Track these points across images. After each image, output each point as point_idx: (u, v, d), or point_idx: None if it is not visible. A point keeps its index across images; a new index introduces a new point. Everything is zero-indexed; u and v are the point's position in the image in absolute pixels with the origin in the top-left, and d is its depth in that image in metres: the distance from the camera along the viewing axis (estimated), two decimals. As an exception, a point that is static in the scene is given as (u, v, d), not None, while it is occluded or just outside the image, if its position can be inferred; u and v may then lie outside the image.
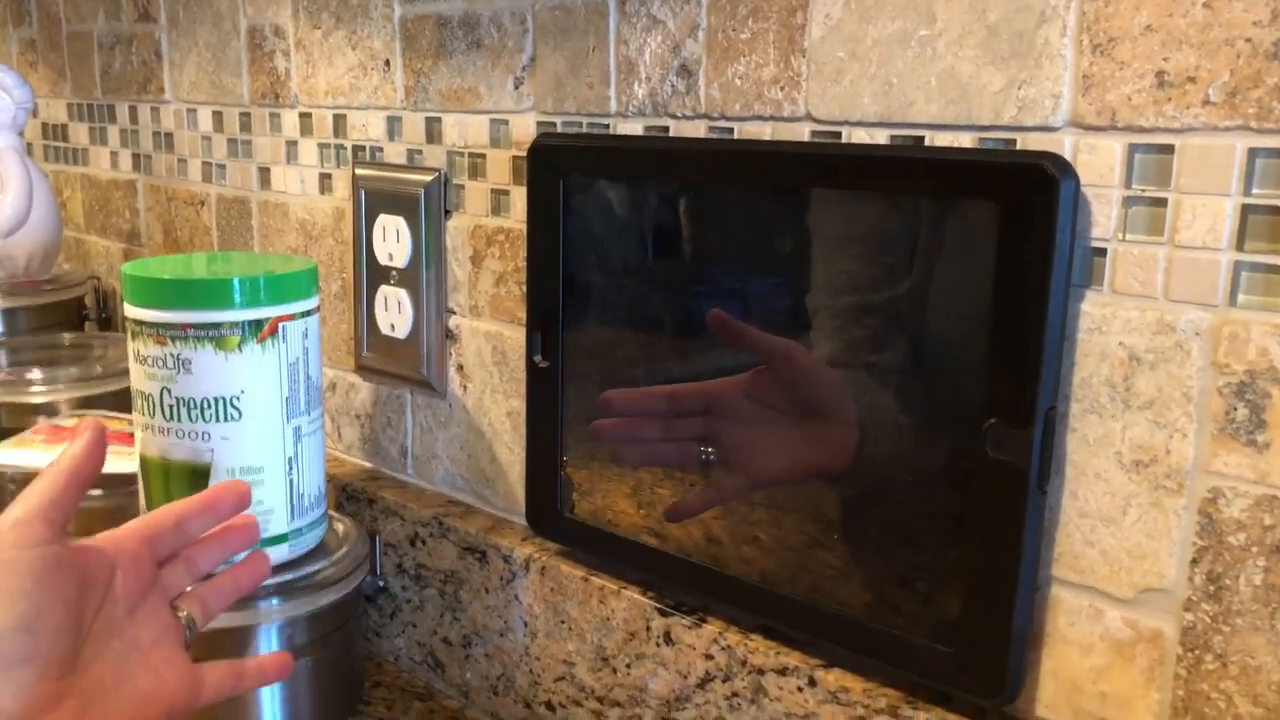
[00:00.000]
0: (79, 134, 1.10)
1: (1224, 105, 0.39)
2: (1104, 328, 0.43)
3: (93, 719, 0.42)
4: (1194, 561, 0.42)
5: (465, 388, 0.71)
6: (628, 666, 0.60)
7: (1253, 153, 0.39)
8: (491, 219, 0.67)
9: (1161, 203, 0.41)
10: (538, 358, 0.59)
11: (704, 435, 0.54)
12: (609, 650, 0.61)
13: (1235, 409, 0.40)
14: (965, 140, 0.46)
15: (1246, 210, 0.39)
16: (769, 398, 0.52)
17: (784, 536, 0.53)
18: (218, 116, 0.89)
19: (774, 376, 0.51)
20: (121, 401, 0.82)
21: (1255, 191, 0.39)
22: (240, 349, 0.62)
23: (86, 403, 0.85)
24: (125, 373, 0.82)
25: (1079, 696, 0.45)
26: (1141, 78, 0.41)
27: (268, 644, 0.65)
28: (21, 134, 1.00)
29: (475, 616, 0.69)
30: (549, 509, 0.63)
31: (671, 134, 0.56)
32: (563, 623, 0.63)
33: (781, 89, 0.51)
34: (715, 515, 0.55)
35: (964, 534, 0.45)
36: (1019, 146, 0.44)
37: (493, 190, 0.67)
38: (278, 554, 0.66)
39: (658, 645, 0.58)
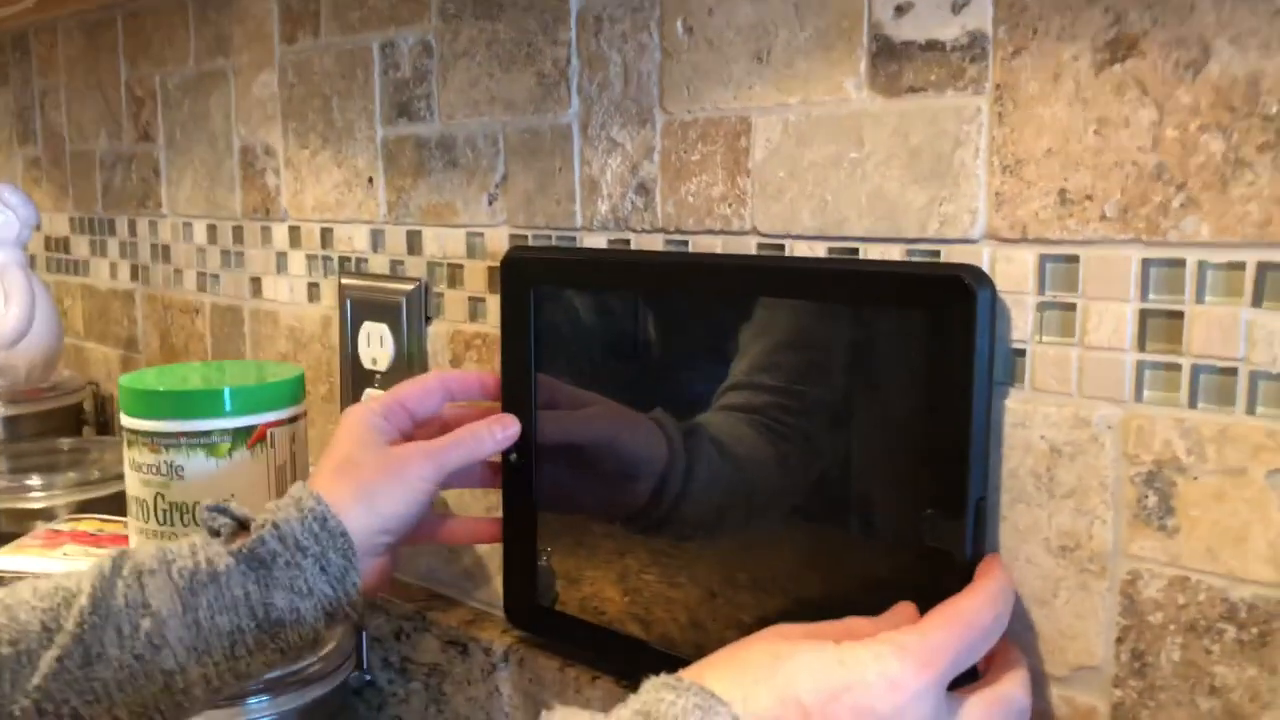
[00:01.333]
0: (80, 246, 1.14)
1: (1118, 220, 0.43)
2: (1026, 423, 0.46)
3: (393, 562, 0.56)
4: (1119, 640, 0.44)
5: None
6: (605, 755, 0.62)
7: (1146, 262, 0.42)
8: (469, 324, 0.71)
9: (1071, 307, 0.45)
10: (512, 455, 0.62)
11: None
12: (586, 739, 0.63)
13: (1147, 497, 0.43)
14: (895, 252, 0.50)
15: (1145, 314, 0.43)
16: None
17: (745, 618, 0.55)
18: (212, 229, 0.94)
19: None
20: (118, 505, 0.85)
21: (1151, 297, 0.43)
22: (230, 455, 0.66)
23: (84, 506, 0.88)
24: (120, 477, 0.85)
25: (1025, 773, 0.47)
26: (1046, 195, 0.45)
27: (257, 739, 0.67)
28: (25, 249, 1.05)
29: (459, 708, 0.71)
30: (526, 601, 0.65)
31: (632, 246, 0.61)
32: (541, 713, 0.65)
33: (729, 205, 0.56)
34: (701, 601, 0.57)
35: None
36: (943, 258, 0.48)
37: (470, 298, 0.71)
38: (266, 652, 0.68)
39: (632, 733, 0.60)
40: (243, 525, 0.51)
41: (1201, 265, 0.41)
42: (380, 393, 0.61)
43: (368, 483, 0.53)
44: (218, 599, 0.48)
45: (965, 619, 0.41)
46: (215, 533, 0.51)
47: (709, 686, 0.36)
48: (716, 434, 0.54)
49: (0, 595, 0.48)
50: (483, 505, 0.72)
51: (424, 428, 0.60)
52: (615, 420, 0.59)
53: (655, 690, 0.37)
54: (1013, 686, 0.41)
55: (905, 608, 0.43)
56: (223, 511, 0.51)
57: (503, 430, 0.59)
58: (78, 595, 0.48)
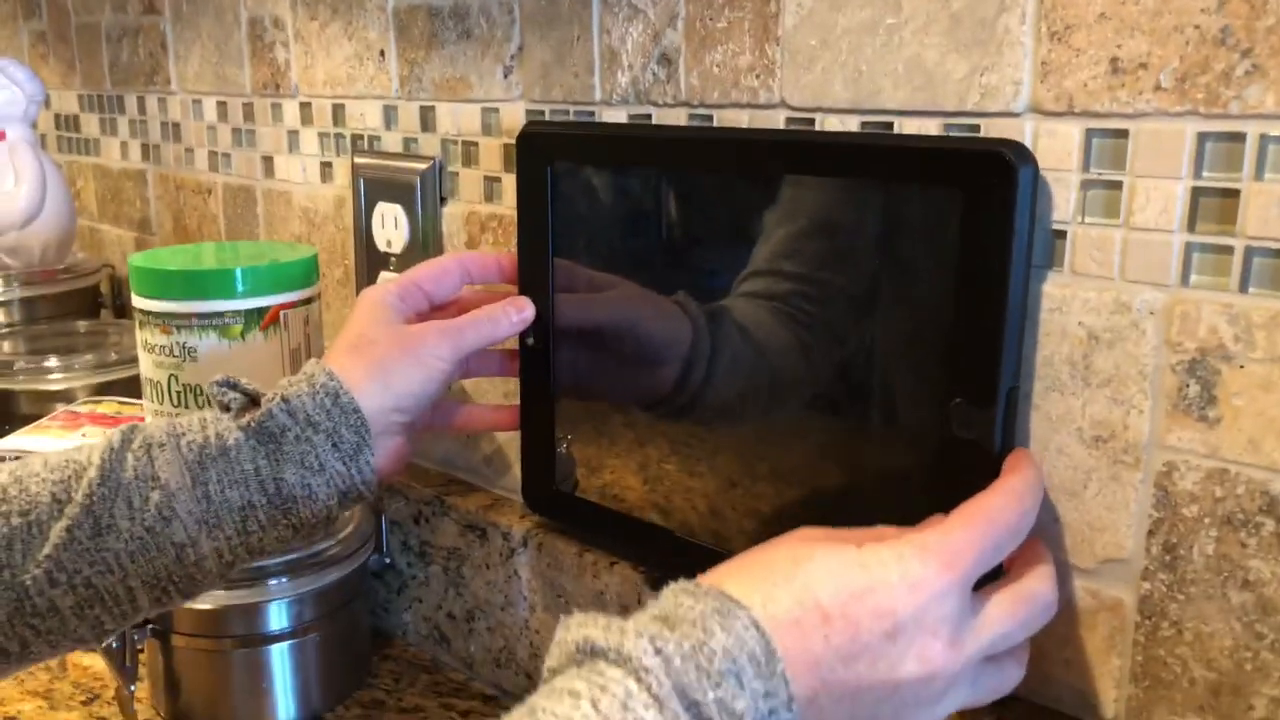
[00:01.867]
0: (90, 125, 1.12)
1: (1174, 91, 0.40)
2: (1064, 308, 0.44)
3: (409, 444, 0.54)
4: (1150, 533, 0.43)
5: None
6: (621, 638, 0.62)
7: (1202, 137, 0.40)
8: (485, 205, 0.69)
9: (1117, 186, 0.42)
10: (530, 339, 0.61)
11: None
12: (603, 622, 0.63)
13: (1188, 386, 0.41)
14: (932, 126, 0.47)
15: (1197, 193, 0.40)
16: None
17: (764, 508, 0.54)
18: (222, 107, 0.91)
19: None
20: (137, 387, 0.84)
21: (1205, 175, 0.40)
22: (243, 337, 0.65)
23: (102, 389, 0.88)
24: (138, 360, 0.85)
25: (1045, 663, 0.47)
26: (1097, 64, 0.42)
27: (278, 620, 0.68)
28: (34, 126, 1.03)
29: (478, 592, 0.71)
30: (544, 487, 0.65)
31: (654, 121, 0.58)
32: (559, 597, 0.66)
33: (757, 77, 0.53)
34: (721, 490, 0.56)
35: (934, 511, 0.47)
36: (983, 132, 0.45)
37: (485, 178, 0.68)
38: (285, 533, 0.68)
39: (649, 617, 0.61)
40: (253, 400, 0.50)
41: (1263, 139, 0.38)
42: (396, 275, 0.59)
43: (382, 360, 0.52)
44: (227, 473, 0.47)
45: (990, 516, 0.39)
46: (225, 408, 0.50)
47: (728, 590, 0.36)
48: (741, 319, 0.53)
49: (12, 468, 0.48)
50: (501, 393, 0.71)
51: (441, 311, 0.59)
52: (638, 303, 0.57)
53: (674, 595, 0.36)
54: (1039, 583, 0.40)
55: (935, 520, 0.42)
56: (233, 386, 0.50)
57: (518, 312, 0.57)
58: (87, 468, 0.47)
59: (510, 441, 0.71)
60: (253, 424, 0.48)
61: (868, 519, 0.42)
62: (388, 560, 0.78)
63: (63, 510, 0.46)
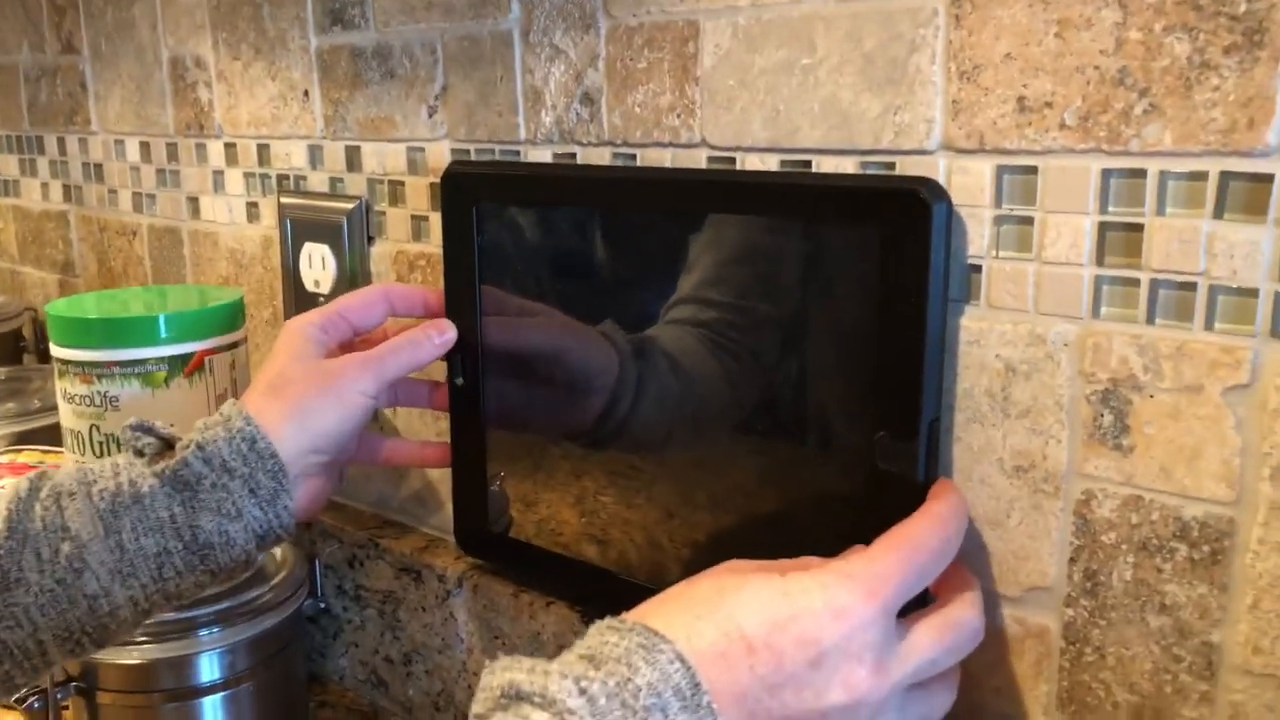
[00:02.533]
0: (9, 166, 1.09)
1: (1078, 129, 0.41)
2: (982, 340, 0.45)
3: (329, 483, 0.54)
4: (1072, 560, 0.44)
5: (395, 411, 0.72)
6: (560, 678, 0.62)
7: (1106, 173, 0.41)
8: (413, 244, 0.68)
9: (1029, 221, 0.43)
10: (458, 378, 0.60)
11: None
12: (542, 663, 0.63)
13: (1102, 415, 0.42)
14: (849, 165, 0.48)
15: (1104, 228, 0.41)
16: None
17: (700, 538, 0.54)
18: (145, 147, 0.90)
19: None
20: (58, 436, 0.82)
21: (1111, 210, 0.41)
22: (167, 384, 0.63)
23: (23, 437, 0.85)
24: (59, 407, 0.82)
25: (975, 691, 0.47)
26: (1005, 103, 0.43)
27: (209, 671, 0.66)
28: (-51, 168, 1.00)
29: (414, 635, 0.70)
30: (477, 528, 0.64)
31: (579, 160, 0.58)
32: (496, 638, 0.65)
33: (678, 116, 0.53)
34: (658, 521, 0.56)
35: (866, 539, 0.47)
36: (898, 169, 0.46)
37: (413, 216, 0.68)
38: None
39: (587, 656, 0.60)
40: (168, 444, 0.49)
41: (1163, 175, 0.40)
42: (321, 306, 0.58)
43: (300, 400, 0.51)
44: (142, 521, 0.46)
45: (913, 543, 0.40)
46: (139, 453, 0.49)
47: (652, 624, 0.35)
48: (667, 348, 0.53)
49: None
50: (434, 430, 0.70)
51: (365, 342, 0.58)
52: (564, 331, 0.57)
53: (600, 634, 0.36)
54: (965, 609, 0.41)
55: (859, 549, 0.43)
56: (147, 430, 0.49)
57: (440, 335, 0.57)
58: None
59: (443, 481, 0.70)
60: (168, 471, 0.47)
61: (803, 547, 0.42)
62: (322, 605, 0.76)
63: None
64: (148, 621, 0.49)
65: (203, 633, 0.65)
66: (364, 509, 0.77)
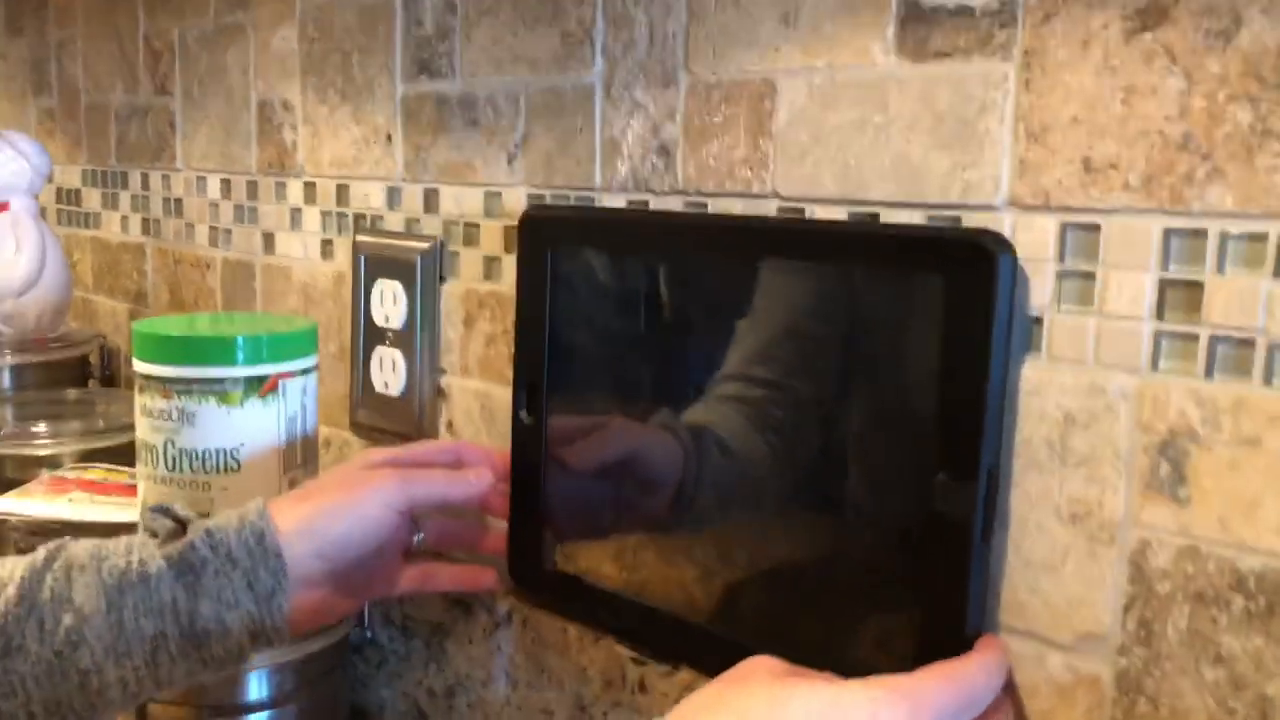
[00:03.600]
0: (92, 199, 1.14)
1: (1142, 190, 0.43)
2: (1042, 391, 0.46)
3: (338, 599, 0.54)
4: (1126, 609, 0.45)
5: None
6: (604, 715, 0.63)
7: (1168, 232, 0.43)
8: (484, 284, 0.71)
9: (1091, 276, 0.45)
10: (523, 413, 0.62)
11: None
12: (587, 699, 0.64)
13: (1160, 466, 0.43)
14: (916, 217, 0.50)
15: (1164, 284, 0.43)
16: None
17: (742, 598, 0.56)
18: (226, 184, 0.94)
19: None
20: (122, 455, 0.85)
21: (1172, 267, 0.43)
22: (242, 404, 0.66)
23: (88, 455, 0.88)
24: (126, 428, 0.85)
25: (1025, 739, 0.48)
26: (1070, 164, 0.45)
27: (257, 690, 0.68)
28: (36, 198, 1.05)
29: (459, 667, 0.71)
30: (531, 562, 0.65)
31: (651, 208, 0.61)
32: (543, 673, 0.66)
33: (751, 168, 0.56)
34: (698, 575, 0.57)
35: (915, 585, 0.48)
36: (964, 224, 0.48)
37: (485, 257, 0.71)
38: (270, 602, 0.68)
39: (633, 694, 0.61)
40: (183, 527, 0.51)
41: (1223, 236, 0.41)
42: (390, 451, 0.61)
43: (320, 503, 0.52)
44: (144, 601, 0.47)
45: (959, 677, 0.42)
46: (154, 534, 0.50)
47: None
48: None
49: None
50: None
51: None
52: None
53: None
54: None
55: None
56: (164, 512, 0.51)
57: (476, 479, 0.59)
58: (6, 584, 0.47)
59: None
60: (175, 554, 0.49)
61: (848, 606, 0.44)
62: (369, 635, 0.77)
63: None
64: (135, 705, 0.49)
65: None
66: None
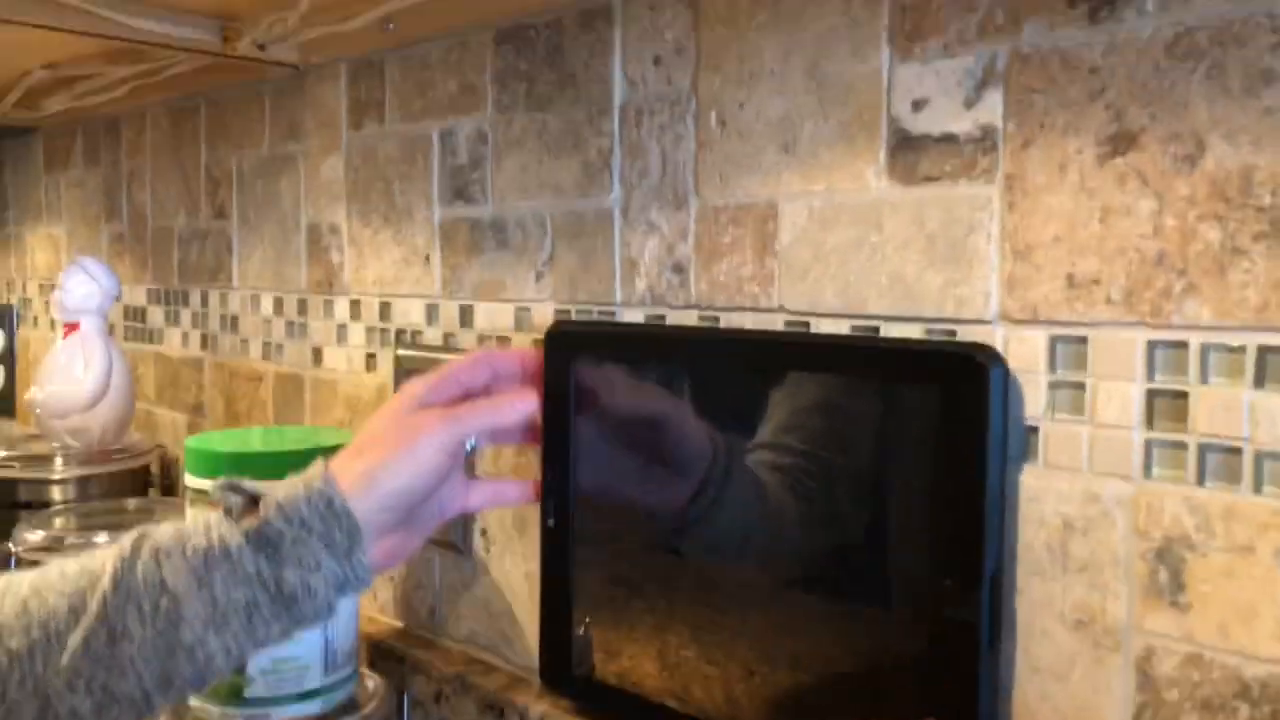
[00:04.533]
0: (155, 316, 1.21)
1: (1123, 303, 0.45)
2: (1040, 497, 0.48)
3: (412, 535, 0.57)
4: (1136, 717, 0.45)
5: (488, 550, 0.77)
6: (633, 822, 0.63)
7: (1151, 344, 0.44)
8: (514, 396, 0.74)
9: (1081, 386, 0.46)
10: (550, 520, 0.65)
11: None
12: (616, 805, 0.64)
13: (1158, 571, 0.44)
14: (914, 331, 0.52)
15: (1152, 394, 0.44)
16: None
17: (780, 697, 0.56)
18: (278, 302, 1.00)
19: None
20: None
21: (1157, 377, 0.44)
22: (284, 515, 0.69)
23: (146, 564, 0.91)
24: (183, 536, 0.89)
25: None
26: (1055, 279, 0.47)
27: (305, 794, 0.69)
28: (106, 317, 1.11)
29: (494, 772, 0.72)
30: (562, 667, 0.67)
31: (668, 321, 0.64)
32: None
33: (758, 284, 0.58)
34: (739, 676, 0.58)
35: (926, 691, 0.49)
36: (959, 337, 0.50)
37: (515, 370, 0.74)
38: (310, 709, 0.71)
39: (660, 800, 0.61)
40: (254, 500, 0.54)
41: (1204, 347, 0.43)
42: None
43: (378, 460, 0.55)
44: (231, 575, 0.50)
45: None
46: (229, 510, 0.53)
47: None
48: (757, 472, 0.56)
49: (31, 578, 0.52)
50: (522, 571, 0.74)
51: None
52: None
53: None
54: None
55: None
56: (235, 489, 0.53)
57: (520, 402, 0.60)
58: (101, 577, 0.51)
59: (531, 621, 0.74)
60: (252, 531, 0.52)
61: (876, 703, 0.44)
62: (408, 739, 0.79)
63: (79, 620, 0.49)
64: (240, 664, 0.52)
65: (295, 757, 0.69)
66: (453, 645, 0.80)
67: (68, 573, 0.51)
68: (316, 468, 0.54)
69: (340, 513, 0.52)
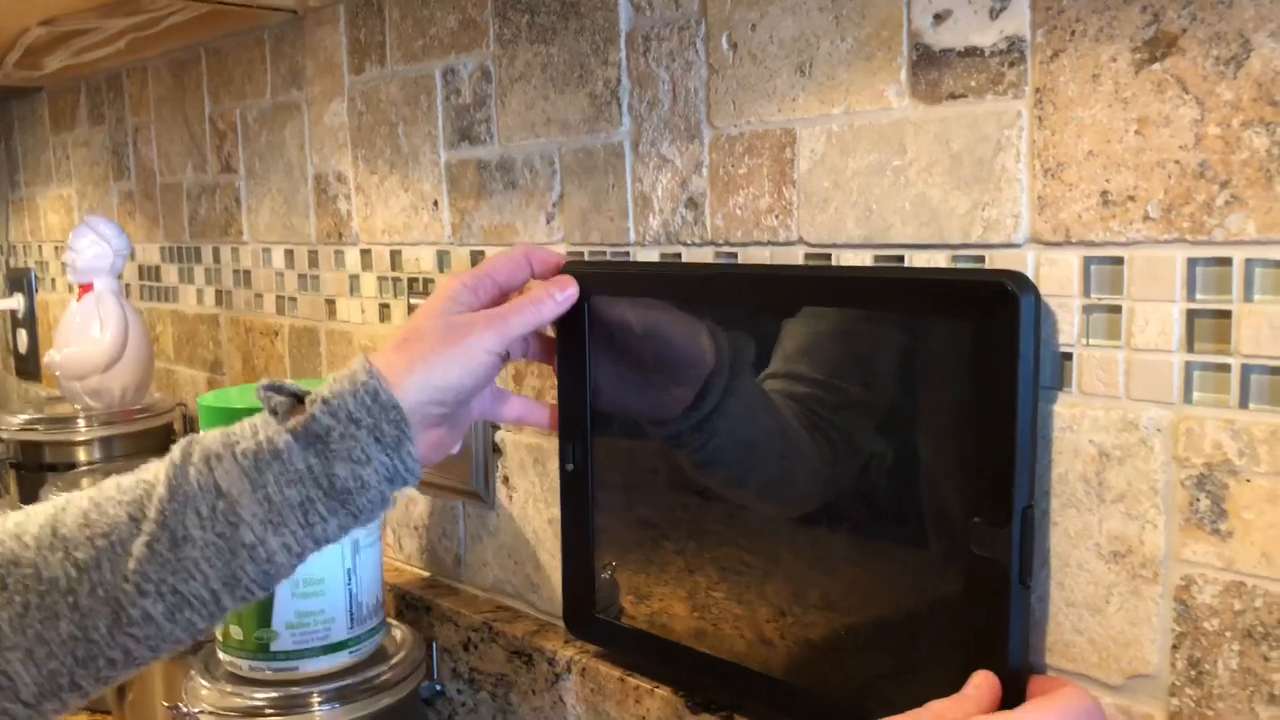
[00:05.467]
0: (170, 274, 1.20)
1: (1162, 220, 0.42)
2: (1075, 427, 0.46)
3: (454, 431, 0.57)
4: (1174, 647, 0.43)
5: (511, 498, 0.76)
6: (664, 764, 0.63)
7: (1191, 262, 0.42)
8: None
9: (1117, 309, 0.44)
10: (569, 465, 0.64)
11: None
12: (647, 748, 0.64)
13: (1198, 500, 0.42)
14: (940, 259, 0.50)
15: (1192, 315, 0.42)
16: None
17: (812, 636, 0.55)
18: (289, 255, 0.98)
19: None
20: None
21: (1198, 297, 0.42)
22: (302, 469, 0.68)
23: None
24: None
25: (1082, 784, 0.46)
26: (1089, 197, 0.45)
27: (330, 747, 0.69)
28: (119, 278, 1.11)
29: (525, 717, 0.72)
30: (585, 611, 0.66)
31: (683, 259, 0.62)
32: (603, 722, 0.66)
33: (776, 216, 0.56)
34: (770, 616, 0.58)
35: (956, 629, 0.48)
36: (987, 262, 0.48)
37: (530, 314, 0.72)
38: (339, 660, 0.71)
39: (691, 742, 0.61)
40: (299, 399, 0.53)
41: (1249, 263, 0.41)
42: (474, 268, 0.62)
43: (426, 355, 0.54)
44: (283, 474, 0.50)
45: (1060, 707, 0.41)
46: (274, 411, 0.53)
47: None
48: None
49: (90, 494, 0.52)
50: (544, 517, 0.73)
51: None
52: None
53: None
54: None
55: (983, 678, 0.44)
56: (278, 390, 0.53)
57: (561, 292, 0.59)
58: (155, 485, 0.51)
59: (556, 567, 0.73)
60: (299, 428, 0.51)
61: (907, 642, 0.43)
62: (439, 687, 0.79)
63: (140, 527, 0.50)
64: (302, 562, 0.53)
65: (323, 708, 0.69)
66: (479, 594, 0.80)
67: (124, 484, 0.52)
68: (359, 362, 0.53)
69: (387, 404, 0.51)
